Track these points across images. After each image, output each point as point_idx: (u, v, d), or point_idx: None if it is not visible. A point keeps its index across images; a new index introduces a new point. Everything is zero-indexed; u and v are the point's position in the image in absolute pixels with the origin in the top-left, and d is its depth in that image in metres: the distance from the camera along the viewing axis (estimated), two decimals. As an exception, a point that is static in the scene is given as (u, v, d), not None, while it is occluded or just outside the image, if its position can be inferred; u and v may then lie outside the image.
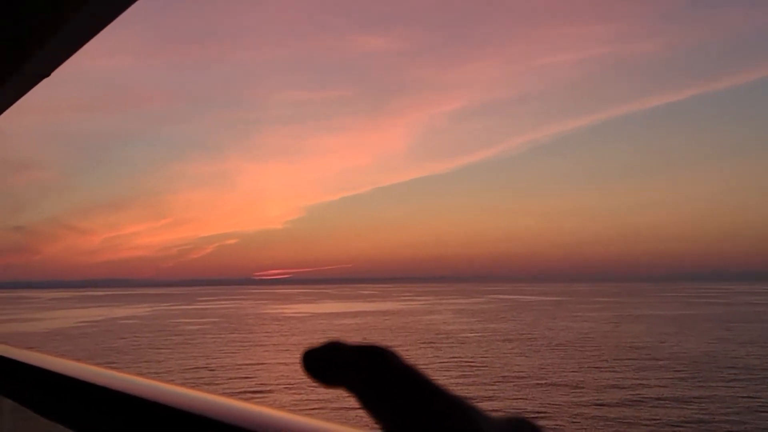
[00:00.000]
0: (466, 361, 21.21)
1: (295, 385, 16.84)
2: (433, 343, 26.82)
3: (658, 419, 13.77)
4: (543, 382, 17.82)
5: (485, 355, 22.83)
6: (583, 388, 17.07)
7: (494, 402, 15.22)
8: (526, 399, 15.74)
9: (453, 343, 26.88)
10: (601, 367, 20.33)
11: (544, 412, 14.34)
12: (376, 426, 0.28)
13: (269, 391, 16.34)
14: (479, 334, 30.24)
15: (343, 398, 15.50)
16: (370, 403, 0.28)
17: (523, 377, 18.59)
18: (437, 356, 22.60)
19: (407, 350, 24.24)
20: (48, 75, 1.56)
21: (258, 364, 20.68)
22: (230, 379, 17.94)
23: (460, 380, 17.78)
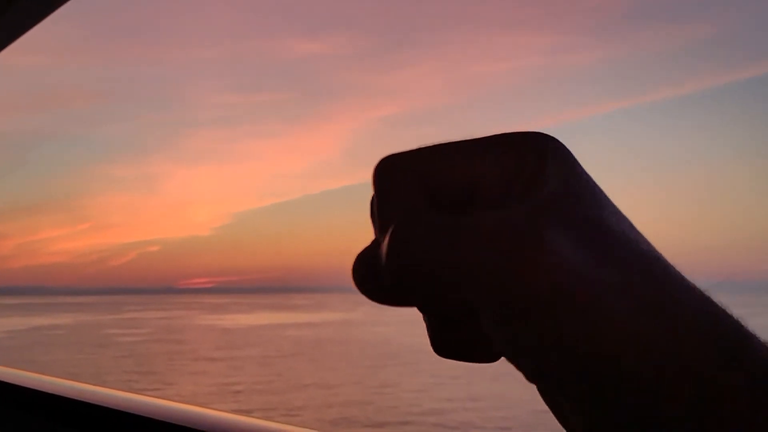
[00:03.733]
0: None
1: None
2: (412, 363, 24.93)
3: None
4: None
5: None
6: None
7: None
8: None
9: (433, 361, 24.99)
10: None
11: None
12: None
13: None
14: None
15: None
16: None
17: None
18: (431, 377, 20.74)
19: (391, 367, 22.35)
20: None
21: (226, 391, 18.30)
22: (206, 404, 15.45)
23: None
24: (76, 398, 0.78)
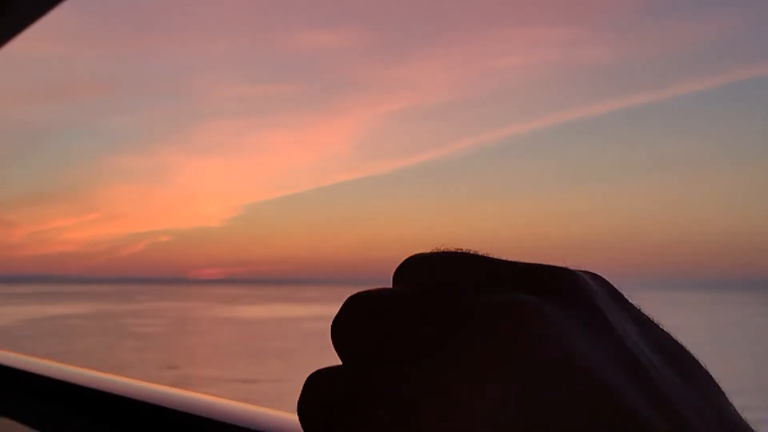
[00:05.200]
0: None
1: None
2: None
3: None
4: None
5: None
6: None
7: None
8: None
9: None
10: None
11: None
12: None
13: None
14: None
15: None
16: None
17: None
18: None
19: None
20: None
21: (253, 389, 17.39)
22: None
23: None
24: (93, 387, 0.77)
